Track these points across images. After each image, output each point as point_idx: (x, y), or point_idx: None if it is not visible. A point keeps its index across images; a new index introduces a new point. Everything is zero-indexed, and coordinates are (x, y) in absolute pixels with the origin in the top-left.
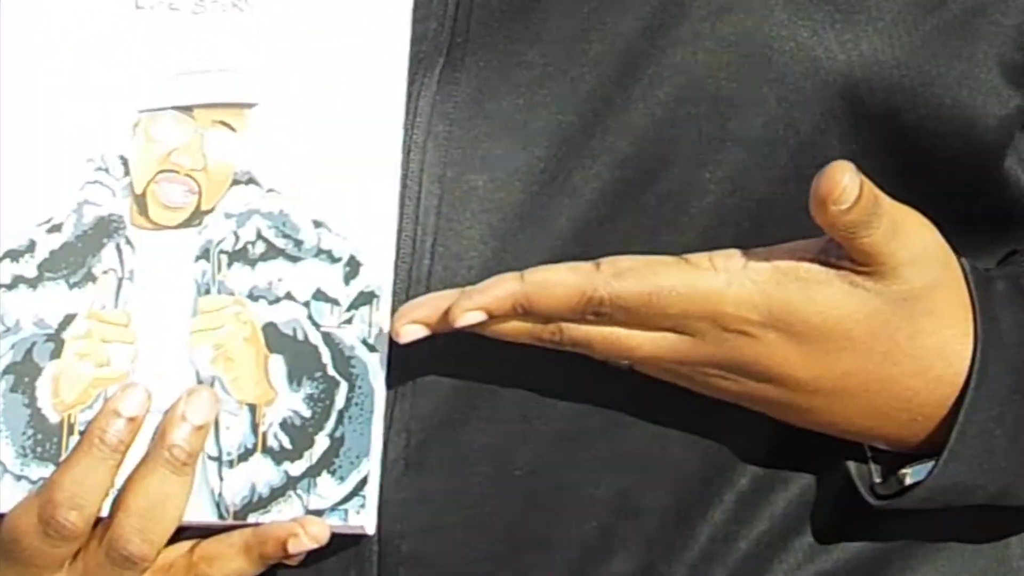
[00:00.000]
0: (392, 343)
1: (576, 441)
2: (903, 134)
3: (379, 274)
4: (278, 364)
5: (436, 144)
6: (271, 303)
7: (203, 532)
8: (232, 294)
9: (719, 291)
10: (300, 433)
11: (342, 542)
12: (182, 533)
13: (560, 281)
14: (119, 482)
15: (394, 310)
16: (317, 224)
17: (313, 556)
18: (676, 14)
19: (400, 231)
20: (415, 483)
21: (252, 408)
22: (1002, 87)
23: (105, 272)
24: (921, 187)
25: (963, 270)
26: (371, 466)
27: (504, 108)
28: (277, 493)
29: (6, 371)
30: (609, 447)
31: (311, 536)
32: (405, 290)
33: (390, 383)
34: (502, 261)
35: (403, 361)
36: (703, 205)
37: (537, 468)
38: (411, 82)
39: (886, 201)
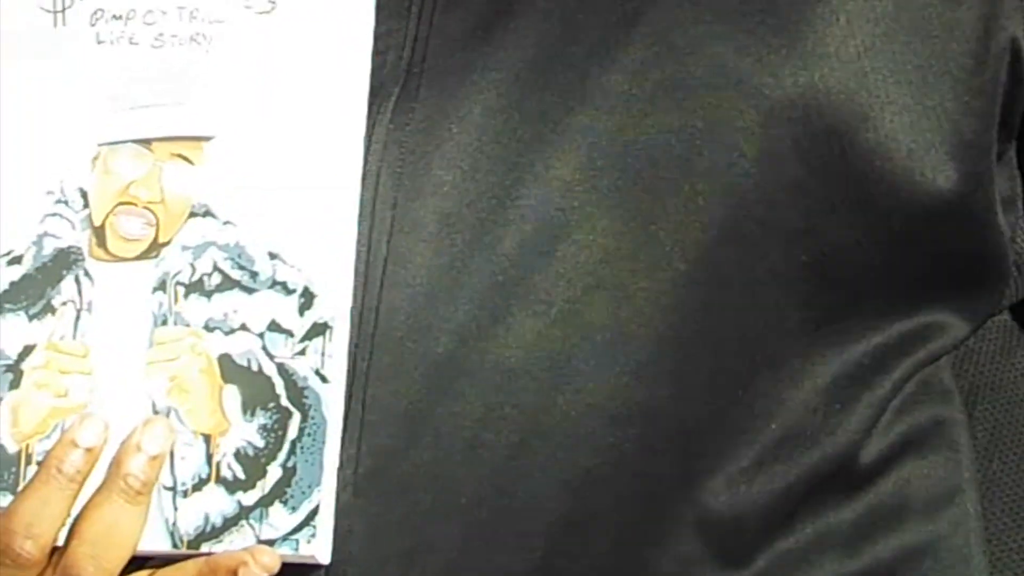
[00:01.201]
0: (347, 373)
1: (520, 468)
2: (851, 162)
3: (334, 305)
4: (232, 395)
5: (389, 172)
6: (226, 334)
7: (158, 563)
8: (188, 325)
9: None
10: (253, 463)
11: (292, 570)
12: (136, 564)
13: None
14: (75, 510)
15: (349, 340)
16: (272, 256)
17: None
18: (622, 41)
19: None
20: (363, 510)
21: (207, 438)
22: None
23: (64, 303)
24: (873, 217)
25: None
26: (323, 496)
27: (456, 136)
28: (230, 523)
29: None
30: (553, 474)
31: (261, 565)
32: (358, 319)
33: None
34: (445, 287)
35: (353, 391)
36: (648, 231)
37: (481, 496)
38: (368, 112)
39: None
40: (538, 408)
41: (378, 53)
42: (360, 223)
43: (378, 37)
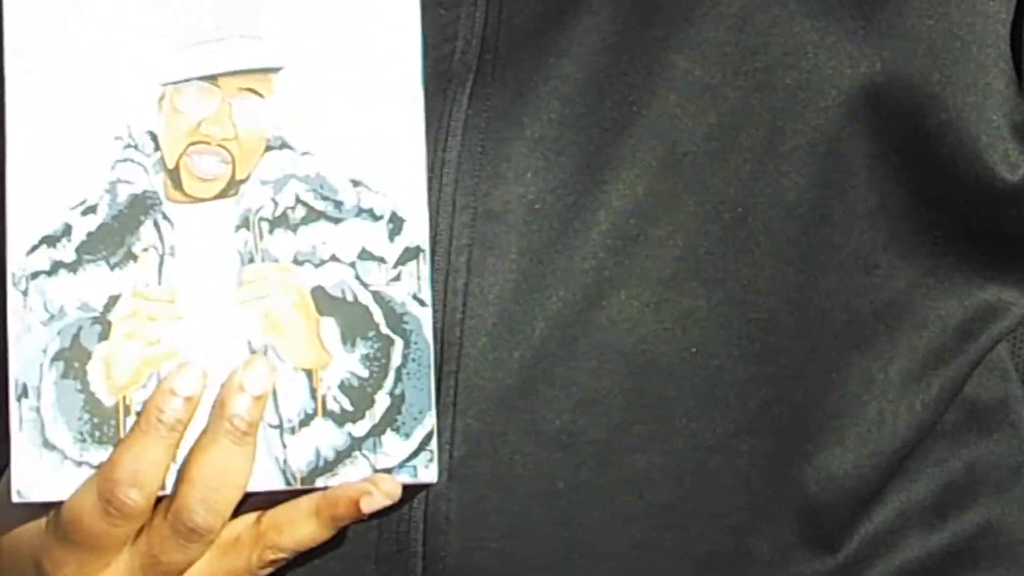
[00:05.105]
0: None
1: (617, 454)
2: (925, 138)
3: (422, 228)
4: (330, 327)
5: (470, 158)
6: (317, 266)
7: (266, 504)
8: (276, 261)
9: None
10: (359, 394)
11: (386, 553)
12: (245, 505)
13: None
14: (181, 455)
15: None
16: (355, 183)
17: (354, 569)
18: (699, 23)
19: (434, 242)
20: (458, 495)
21: (308, 373)
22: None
23: (145, 250)
24: (943, 194)
25: None
26: (432, 420)
27: (537, 121)
28: (343, 455)
29: (55, 358)
30: (652, 458)
31: (384, 493)
32: (442, 304)
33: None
34: (538, 274)
35: (443, 376)
36: (735, 213)
37: (579, 481)
38: (443, 98)
39: None
40: (634, 392)
41: (449, 40)
42: (441, 210)
43: (448, 24)
